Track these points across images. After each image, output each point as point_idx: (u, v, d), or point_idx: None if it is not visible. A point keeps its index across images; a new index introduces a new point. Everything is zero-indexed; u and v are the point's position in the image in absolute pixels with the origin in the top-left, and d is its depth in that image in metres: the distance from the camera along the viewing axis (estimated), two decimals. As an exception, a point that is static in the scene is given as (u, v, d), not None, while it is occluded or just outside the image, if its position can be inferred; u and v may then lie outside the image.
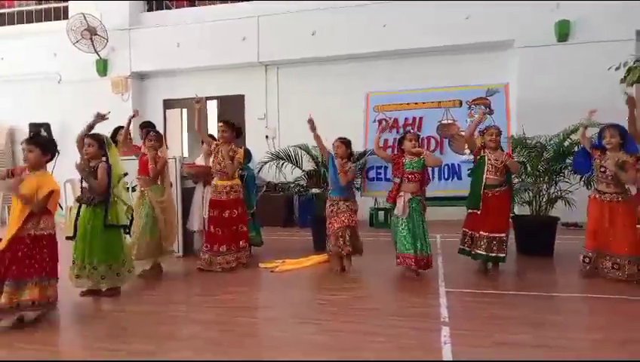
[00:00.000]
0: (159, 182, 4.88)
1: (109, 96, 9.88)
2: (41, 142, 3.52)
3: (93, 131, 4.22)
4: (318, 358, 2.75)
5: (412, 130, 4.71)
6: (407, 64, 8.75)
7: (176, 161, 5.93)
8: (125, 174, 4.27)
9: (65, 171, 5.02)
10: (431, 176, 5.07)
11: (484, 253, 4.50)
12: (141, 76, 10.32)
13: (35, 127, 9.00)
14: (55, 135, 9.37)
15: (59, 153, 3.65)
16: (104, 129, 4.48)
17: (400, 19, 8.52)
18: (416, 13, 8.43)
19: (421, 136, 6.43)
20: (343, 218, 4.80)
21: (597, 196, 4.39)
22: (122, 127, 6.20)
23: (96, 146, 4.00)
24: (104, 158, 4.01)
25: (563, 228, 6.43)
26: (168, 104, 10.46)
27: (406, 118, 6.51)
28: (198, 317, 3.60)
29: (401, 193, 4.62)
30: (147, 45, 9.84)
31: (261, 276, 4.89)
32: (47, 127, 9.35)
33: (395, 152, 5.00)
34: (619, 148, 4.26)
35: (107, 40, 9.71)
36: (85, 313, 3.75)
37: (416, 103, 6.58)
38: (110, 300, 3.99)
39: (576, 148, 5.48)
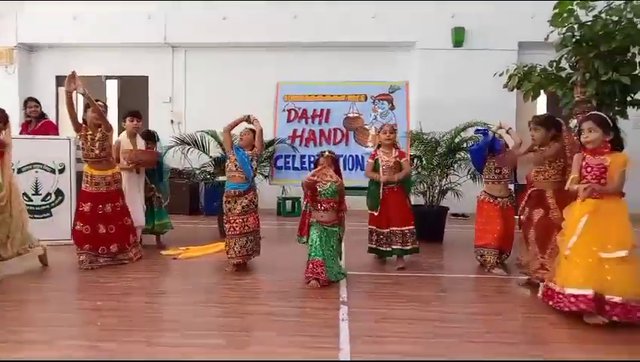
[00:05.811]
0: None
1: (-9, 67, 8.89)
2: None
3: None
4: (221, 339, 2.80)
5: (327, 153, 4.27)
6: (316, 56, 8.93)
7: (70, 142, 5.63)
8: None
9: None
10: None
11: (399, 247, 4.58)
12: (30, 48, 9.38)
13: None
14: None
15: None
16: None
17: (311, 11, 8.66)
18: (327, 7, 8.61)
19: (328, 128, 6.68)
20: (239, 222, 4.35)
21: (488, 199, 4.63)
22: None
23: None
24: None
25: (451, 218, 7.06)
26: (61, 81, 9.60)
27: (314, 110, 6.72)
28: (93, 304, 3.43)
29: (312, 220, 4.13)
30: (38, 15, 8.94)
31: (163, 263, 4.75)
32: None
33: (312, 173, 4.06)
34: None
35: (-12, 4, 8.69)
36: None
37: (324, 95, 6.82)
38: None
39: (465, 145, 6.04)
